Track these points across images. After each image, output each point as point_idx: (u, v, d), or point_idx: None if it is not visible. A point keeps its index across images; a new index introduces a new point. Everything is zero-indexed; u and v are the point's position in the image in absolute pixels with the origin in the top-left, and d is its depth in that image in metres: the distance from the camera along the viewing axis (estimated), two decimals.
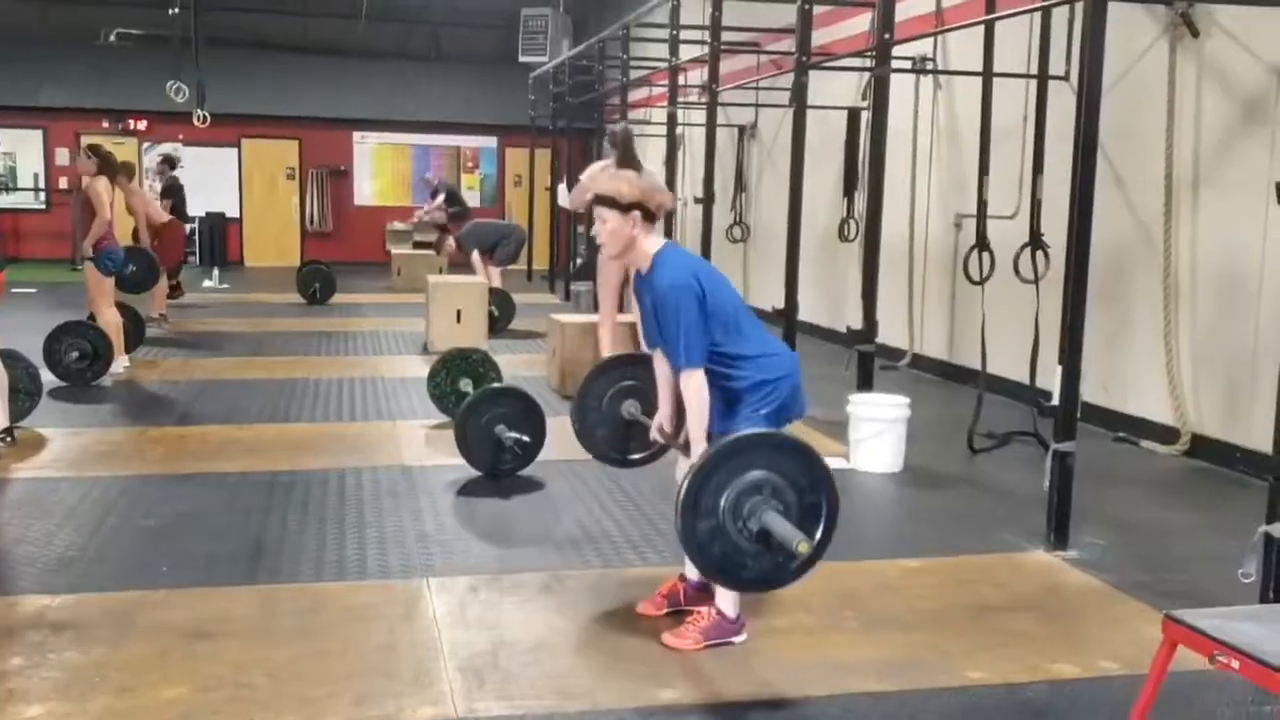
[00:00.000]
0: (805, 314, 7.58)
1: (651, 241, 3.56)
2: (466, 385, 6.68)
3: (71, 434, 6.55)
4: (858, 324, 6.57)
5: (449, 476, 5.68)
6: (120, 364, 8.38)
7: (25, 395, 6.51)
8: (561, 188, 14.04)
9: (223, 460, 5.99)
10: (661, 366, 3.75)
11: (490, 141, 19.98)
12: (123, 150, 18.47)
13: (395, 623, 3.83)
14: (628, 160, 8.04)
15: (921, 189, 8.80)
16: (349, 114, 19.24)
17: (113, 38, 18.97)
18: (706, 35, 8.74)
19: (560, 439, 6.01)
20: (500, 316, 10.78)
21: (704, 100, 9.30)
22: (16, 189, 18.63)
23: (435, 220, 15.50)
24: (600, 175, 3.70)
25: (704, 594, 3.81)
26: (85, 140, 18.26)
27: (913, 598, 4.18)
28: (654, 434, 3.88)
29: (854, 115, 9.41)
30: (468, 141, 19.99)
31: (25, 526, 4.89)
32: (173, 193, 12.32)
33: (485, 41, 20.10)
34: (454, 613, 3.92)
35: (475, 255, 12.03)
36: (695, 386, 3.45)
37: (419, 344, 10.15)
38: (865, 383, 6.33)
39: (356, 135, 19.68)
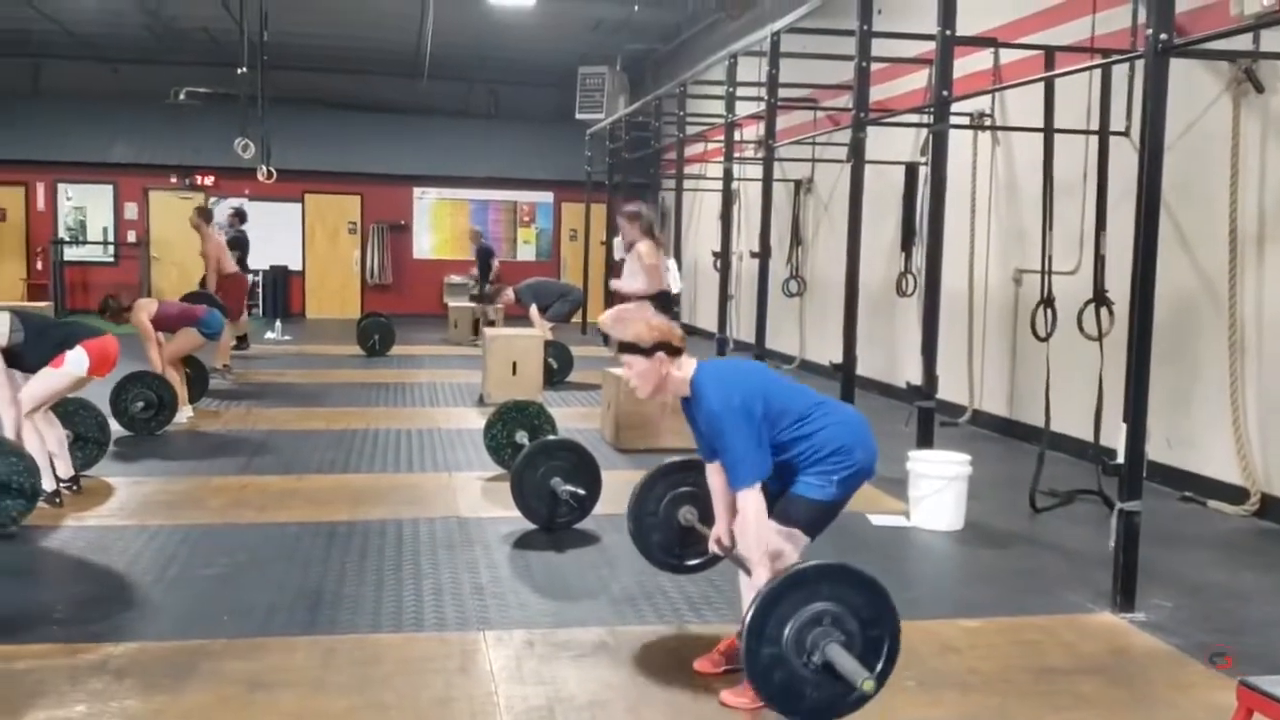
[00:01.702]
0: (863, 369, 7.53)
1: (684, 368, 3.60)
2: (522, 438, 6.70)
3: (135, 483, 6.66)
4: (917, 379, 6.51)
5: (504, 529, 5.68)
6: (184, 414, 8.53)
7: (94, 444, 6.64)
8: (617, 241, 14.17)
9: (283, 510, 6.05)
10: (715, 479, 3.76)
11: (546, 196, 20.22)
12: (189, 205, 19.03)
13: (452, 676, 3.82)
14: (650, 236, 8.29)
15: (980, 244, 8.75)
16: (409, 170, 19.60)
17: (182, 96, 19.53)
18: (762, 92, 8.82)
19: (615, 493, 6.01)
20: (558, 369, 10.84)
21: (760, 155, 9.37)
22: (86, 242, 19.15)
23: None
24: (617, 323, 3.74)
25: None
26: (155, 195, 18.85)
27: (973, 658, 4.10)
28: (712, 546, 3.88)
29: (912, 170, 9.42)
30: (524, 196, 20.26)
31: (90, 574, 4.99)
32: (239, 245, 12.62)
33: (542, 99, 20.42)
34: (510, 667, 3.91)
35: (533, 309, 12.13)
36: (753, 507, 3.45)
37: (475, 396, 10.22)
38: (925, 439, 6.27)
39: (416, 190, 20.03)
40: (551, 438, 6.26)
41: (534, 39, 17.20)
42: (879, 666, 3.14)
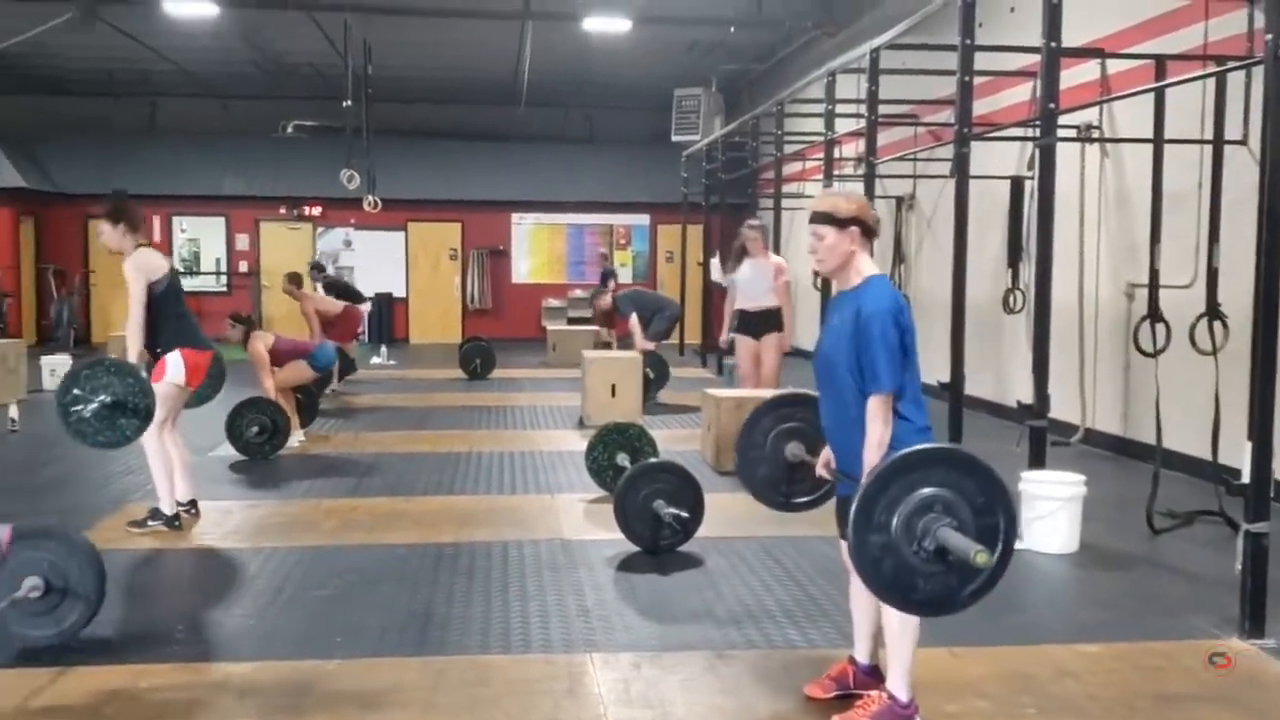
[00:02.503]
0: (970, 388, 7.37)
1: (867, 262, 3.52)
2: (623, 460, 6.72)
3: (250, 506, 6.85)
4: (1027, 398, 6.35)
5: (608, 551, 5.69)
6: (295, 438, 8.76)
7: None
8: (714, 262, 14.15)
9: (391, 531, 6.15)
10: (829, 403, 3.65)
11: (643, 219, 20.33)
12: (298, 235, 19.61)
13: (560, 698, 3.83)
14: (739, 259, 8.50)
15: (1090, 258, 8.51)
16: (508, 196, 19.90)
17: (290, 129, 20.15)
18: (862, 109, 8.74)
19: (719, 515, 6.01)
20: (655, 380, 10.88)
21: (860, 172, 9.27)
22: (200, 273, 19.83)
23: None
24: (820, 195, 3.70)
25: (874, 678, 3.71)
26: (265, 226, 19.45)
27: (1093, 685, 3.97)
28: (820, 469, 3.75)
29: (1017, 184, 9.23)
30: (621, 219, 20.39)
31: (210, 595, 5.14)
32: (336, 287, 12.95)
33: (637, 122, 20.56)
34: (618, 690, 3.91)
35: (634, 319, 12.09)
36: (884, 412, 3.34)
37: (575, 418, 10.28)
38: (1037, 459, 6.10)
39: (515, 216, 20.32)
40: (653, 460, 6.26)
41: (629, 63, 17.34)
42: (996, 555, 3.02)
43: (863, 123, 8.86)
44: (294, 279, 11.77)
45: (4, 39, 10.92)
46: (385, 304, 18.50)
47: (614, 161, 20.12)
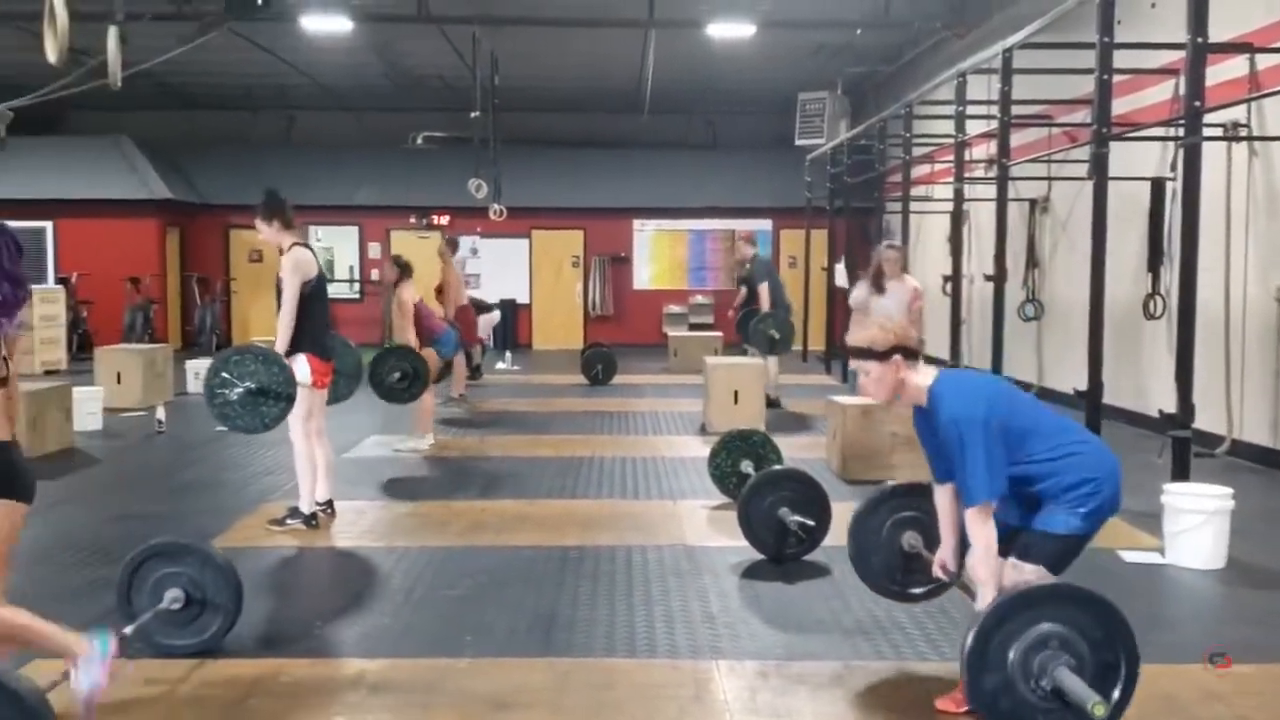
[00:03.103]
0: (1109, 396, 7.11)
1: (922, 375, 3.49)
2: (747, 467, 6.67)
3: (383, 506, 7.03)
4: (1169, 407, 6.11)
5: (732, 558, 5.66)
6: (426, 441, 8.95)
7: (349, 378, 7.06)
8: (839, 267, 14.00)
9: (517, 534, 6.24)
10: (944, 500, 3.64)
11: (765, 224, 20.21)
12: (427, 244, 20.02)
13: (686, 704, 3.82)
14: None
15: (1237, 261, 8.15)
16: (630, 203, 20.01)
17: (419, 140, 20.65)
18: (993, 110, 8.54)
19: (844, 525, 5.89)
20: (780, 340, 10.84)
21: (991, 175, 9.06)
22: (334, 280, 20.45)
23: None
24: (852, 329, 3.68)
25: None
26: (396, 235, 19.95)
27: (1243, 708, 3.78)
28: (936, 571, 3.77)
29: (1158, 185, 8.89)
30: (743, 225, 20.28)
31: (345, 592, 5.28)
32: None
33: (760, 127, 20.48)
34: (744, 698, 3.88)
35: (764, 288, 11.89)
36: (984, 528, 3.32)
37: (696, 424, 10.27)
38: (1181, 471, 5.86)
39: (636, 223, 20.43)
40: (778, 467, 6.21)
41: (752, 68, 17.29)
42: (1116, 693, 2.93)
43: (994, 124, 8.66)
44: (452, 244, 12.07)
45: (151, 57, 11.43)
46: (509, 310, 18.79)
47: (736, 166, 20.06)
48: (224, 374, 5.66)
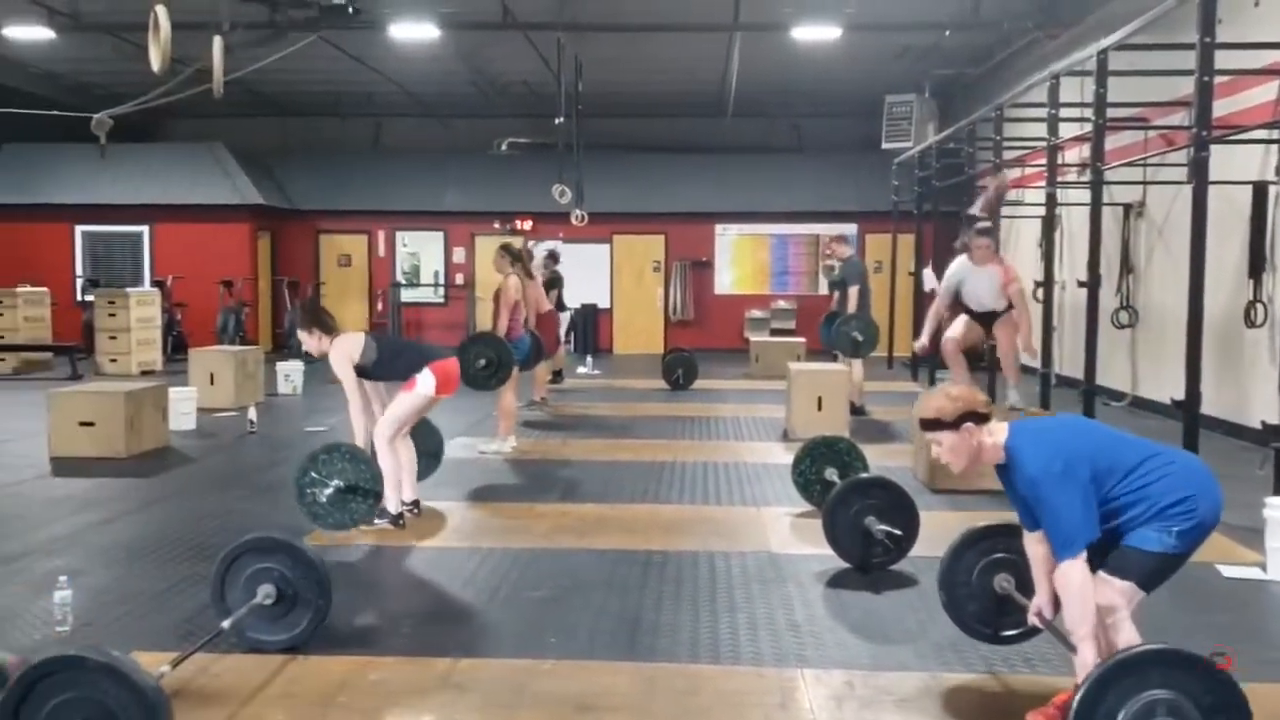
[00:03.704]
0: (1206, 407, 6.89)
1: (996, 434, 3.43)
2: (832, 474, 6.60)
3: (468, 507, 7.10)
4: (1271, 418, 5.90)
5: (816, 566, 5.60)
6: (509, 444, 9.02)
7: (430, 458, 7.18)
8: (927, 271, 13.82)
9: (600, 537, 6.24)
10: (1035, 547, 3.58)
11: (850, 228, 20.02)
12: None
13: (771, 711, 3.79)
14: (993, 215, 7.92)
15: None
16: (711, 207, 19.98)
17: (504, 146, 20.86)
18: (1087, 112, 8.35)
19: (933, 534, 5.81)
20: (864, 341, 10.69)
21: (1085, 179, 8.86)
22: (419, 284, 20.76)
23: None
24: (919, 403, 3.61)
25: None
26: (480, 240, 20.17)
27: None
28: (1032, 618, 3.69)
29: (1260, 189, 8.60)
30: (826, 229, 20.14)
31: (432, 592, 5.35)
32: (556, 284, 13.21)
33: (845, 130, 20.30)
34: (830, 707, 3.83)
35: (853, 291, 11.76)
36: (1076, 578, 3.25)
37: (779, 430, 10.20)
38: None
39: (718, 227, 20.37)
40: (864, 475, 6.12)
41: (838, 70, 17.15)
42: None
43: (1088, 127, 8.47)
44: (513, 254, 11.98)
45: (245, 65, 11.72)
46: (590, 315, 18.87)
47: (821, 170, 19.90)
48: (313, 473, 5.83)
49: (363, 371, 6.21)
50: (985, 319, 8.45)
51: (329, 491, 5.83)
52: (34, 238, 18.55)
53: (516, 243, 10.75)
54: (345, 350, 6.17)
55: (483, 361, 8.52)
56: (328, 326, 6.24)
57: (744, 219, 20.19)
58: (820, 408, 9.62)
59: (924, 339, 8.64)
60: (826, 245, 14.45)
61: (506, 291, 8.97)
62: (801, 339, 15.81)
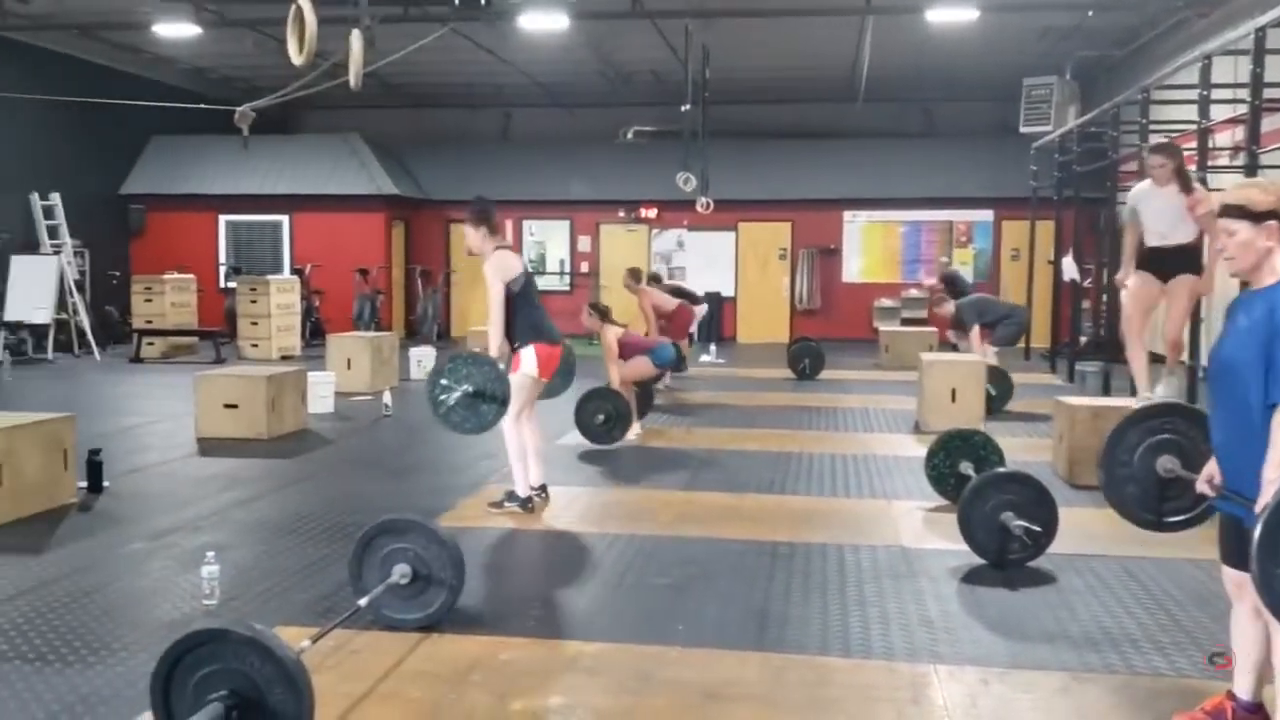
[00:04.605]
0: None
1: None
2: (967, 468, 6.44)
3: (594, 493, 7.15)
4: None
5: (950, 562, 5.47)
6: (633, 431, 9.06)
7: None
8: (1067, 260, 13.36)
9: (725, 526, 6.21)
10: (1224, 415, 3.26)
11: (985, 215, 19.49)
12: (634, 236, 20.33)
13: (904, 706, 3.72)
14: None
15: None
16: (840, 194, 19.68)
17: (630, 135, 20.93)
18: (1242, 94, 7.94)
19: (1073, 531, 5.64)
20: (998, 396, 10.31)
21: (1239, 163, 8.43)
22: (545, 272, 20.98)
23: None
24: (1234, 184, 3.36)
25: (1258, 716, 3.33)
26: (605, 229, 20.29)
27: None
28: (1201, 484, 3.39)
29: None
30: (960, 215, 19.64)
31: (560, 575, 5.41)
32: (680, 292, 13.26)
33: (981, 114, 19.77)
34: (965, 704, 3.74)
35: (975, 331, 11.65)
36: None
37: (910, 423, 9.99)
38: None
39: (847, 214, 20.05)
40: (1001, 469, 5.96)
41: (973, 53, 16.69)
42: None
43: (1242, 109, 8.04)
44: (634, 274, 12.18)
45: (379, 59, 11.97)
46: (714, 303, 18.80)
47: (954, 155, 19.39)
48: (443, 381, 5.93)
49: (507, 298, 6.22)
50: (1164, 264, 7.37)
51: (458, 395, 5.91)
52: (181, 227, 19.36)
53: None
54: (502, 263, 6.23)
55: (601, 417, 8.61)
56: (494, 228, 6.35)
57: (874, 205, 19.83)
58: (954, 399, 9.39)
59: (1122, 274, 7.72)
60: (935, 293, 14.32)
61: (608, 348, 9.02)
62: (934, 329, 15.43)
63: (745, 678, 3.96)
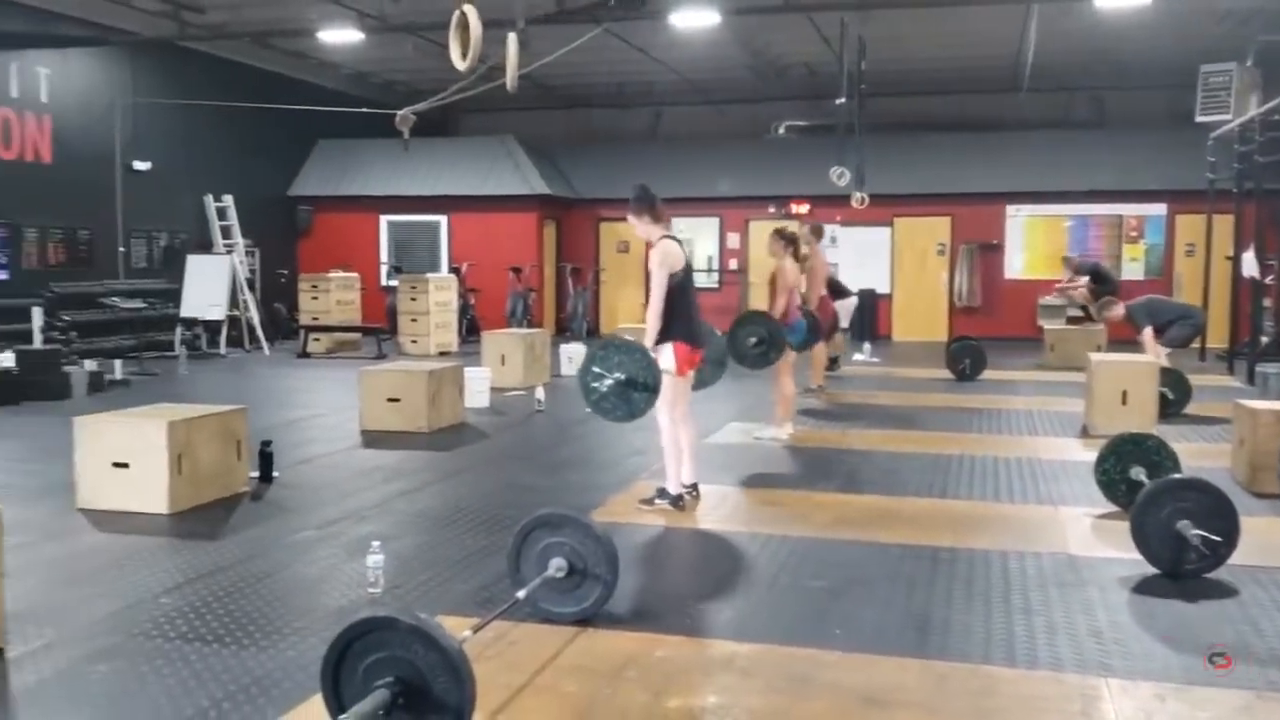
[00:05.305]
0: None
1: None
2: (1139, 474, 6.15)
3: (745, 492, 7.09)
4: None
5: (1121, 571, 5.22)
6: (785, 430, 8.95)
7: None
8: (1247, 256, 12.66)
9: (883, 530, 6.06)
10: None
11: (1157, 209, 18.59)
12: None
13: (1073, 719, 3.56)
14: None
15: None
16: (1002, 187, 19.04)
17: (781, 130, 20.73)
18: None
19: (1255, 541, 5.34)
20: (1174, 400, 9.79)
21: None
22: (693, 270, 20.93)
23: (1075, 297, 15.40)
24: None
25: None
26: (754, 225, 20.16)
27: None
28: None
29: None
30: (1130, 209, 18.77)
31: (713, 574, 5.38)
32: (831, 284, 12.97)
33: (1154, 103, 18.87)
34: None
35: (1147, 331, 11.11)
36: None
37: (1076, 426, 9.59)
38: None
39: (1010, 208, 19.40)
40: (1177, 475, 5.66)
41: (1146, 39, 15.94)
42: None
43: None
44: (817, 231, 11.68)
45: (534, 61, 12.15)
46: (869, 300, 18.46)
47: (1124, 146, 18.53)
48: (595, 368, 5.93)
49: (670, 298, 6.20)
50: None
51: (609, 383, 5.90)
52: (345, 227, 20.08)
53: (791, 227, 10.55)
54: (668, 252, 6.24)
55: (754, 339, 8.46)
56: (658, 215, 6.35)
57: (1038, 199, 19.12)
58: (1125, 402, 8.98)
59: None
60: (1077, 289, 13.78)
61: (784, 275, 8.86)
62: (1102, 327, 14.76)
63: (905, 684, 3.85)
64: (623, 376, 5.89)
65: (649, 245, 6.49)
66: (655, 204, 6.37)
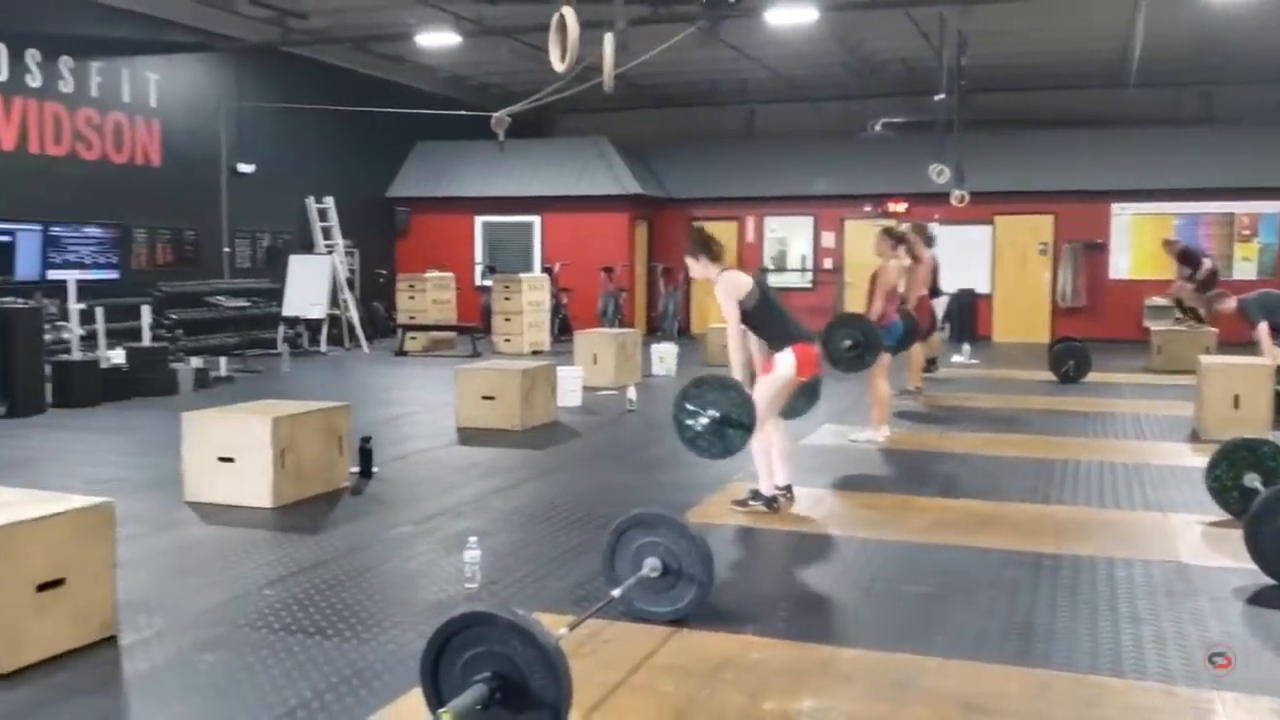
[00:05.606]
0: None
1: None
2: (1253, 481, 5.91)
3: (840, 495, 7.00)
4: None
5: (1235, 581, 5.02)
6: (881, 433, 8.81)
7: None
8: None
9: (984, 535, 5.93)
10: None
11: (1272, 206, 17.91)
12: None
13: None
14: None
15: None
16: (1107, 185, 18.53)
17: (878, 127, 20.45)
18: None
19: None
20: None
21: None
22: (786, 269, 20.81)
23: (1183, 298, 15.11)
24: None
25: None
26: (850, 224, 19.94)
27: None
28: None
29: None
30: (1243, 207, 18.11)
31: (808, 578, 5.33)
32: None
33: (1267, 97, 18.19)
34: None
35: (1262, 328, 10.63)
36: None
37: (1185, 430, 9.28)
38: None
39: (1115, 206, 18.86)
40: None
41: (1260, 30, 15.36)
42: None
43: None
44: (896, 238, 9.86)
45: (629, 61, 12.17)
46: (968, 300, 18.12)
47: (1236, 142, 17.89)
48: (688, 405, 5.87)
49: (743, 314, 6.16)
50: None
51: (704, 422, 5.81)
52: (442, 227, 20.38)
53: (900, 227, 10.30)
54: (732, 284, 6.16)
55: (849, 342, 8.30)
56: (714, 255, 6.29)
57: (1144, 197, 18.55)
58: (1237, 406, 8.65)
59: None
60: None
61: (886, 275, 8.73)
62: (1213, 329, 14.25)
63: (1009, 691, 3.76)
64: (717, 414, 5.81)
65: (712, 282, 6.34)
66: (710, 244, 6.29)
